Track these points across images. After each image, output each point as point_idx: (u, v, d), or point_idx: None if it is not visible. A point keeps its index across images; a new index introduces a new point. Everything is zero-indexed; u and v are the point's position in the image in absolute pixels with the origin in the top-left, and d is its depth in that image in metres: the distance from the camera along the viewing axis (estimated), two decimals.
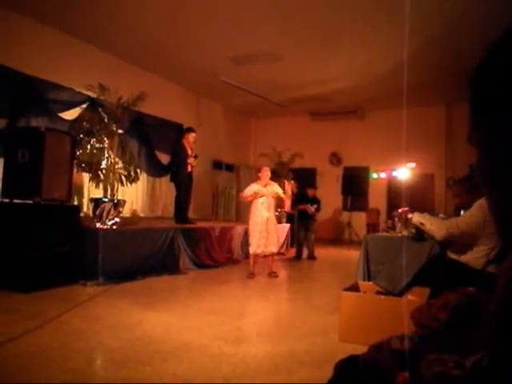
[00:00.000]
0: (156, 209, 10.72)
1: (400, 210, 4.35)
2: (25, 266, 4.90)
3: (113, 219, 5.98)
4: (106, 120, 6.42)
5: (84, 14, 7.51)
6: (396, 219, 4.41)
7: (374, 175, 13.28)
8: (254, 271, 6.59)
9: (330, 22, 7.54)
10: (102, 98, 6.59)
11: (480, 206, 3.09)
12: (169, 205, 10.13)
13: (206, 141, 10.95)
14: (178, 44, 8.77)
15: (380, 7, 6.83)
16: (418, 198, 11.79)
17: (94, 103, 7.67)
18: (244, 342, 3.54)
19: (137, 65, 9.83)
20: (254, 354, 3.23)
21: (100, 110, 6.70)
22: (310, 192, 9.45)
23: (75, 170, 6.13)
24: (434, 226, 3.37)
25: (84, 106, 8.17)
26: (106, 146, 6.44)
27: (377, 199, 13.37)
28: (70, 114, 7.99)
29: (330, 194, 13.00)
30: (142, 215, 9.86)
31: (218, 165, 13.21)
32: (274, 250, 6.71)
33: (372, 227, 12.16)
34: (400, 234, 5.24)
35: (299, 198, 9.84)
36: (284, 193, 7.28)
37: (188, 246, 6.96)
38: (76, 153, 5.95)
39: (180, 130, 9.93)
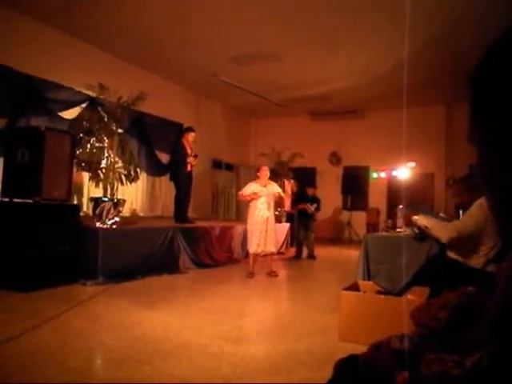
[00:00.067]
0: (156, 208, 10.72)
1: (401, 206, 4.35)
2: (25, 265, 4.90)
3: (112, 218, 5.99)
4: (105, 119, 6.42)
5: (84, 14, 7.50)
6: (399, 216, 4.40)
7: (374, 175, 13.28)
8: (253, 271, 6.60)
9: (330, 22, 7.54)
10: (101, 97, 6.60)
11: (480, 205, 3.09)
12: (168, 204, 10.13)
13: (205, 140, 10.95)
14: (177, 44, 8.76)
15: (380, 7, 6.83)
16: (418, 197, 11.80)
17: (93, 102, 7.67)
18: (244, 342, 3.54)
19: (137, 65, 9.83)
20: (254, 353, 3.23)
21: (100, 109, 6.70)
22: (310, 191, 9.45)
23: (75, 170, 6.13)
24: (438, 230, 3.35)
25: (84, 105, 8.16)
26: (105, 145, 6.44)
27: (377, 199, 13.38)
28: (70, 114, 7.99)
29: (329, 193, 13.00)
30: (141, 214, 9.86)
31: (217, 164, 13.21)
32: (273, 249, 6.72)
33: (372, 227, 12.16)
34: (402, 232, 5.25)
35: (299, 197, 9.84)
36: (284, 192, 7.29)
37: (188, 245, 6.96)
38: (76, 152, 5.96)
39: (180, 130, 9.93)
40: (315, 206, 9.13)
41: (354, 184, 13.17)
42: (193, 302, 4.79)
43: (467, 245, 3.21)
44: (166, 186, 10.39)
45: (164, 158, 10.47)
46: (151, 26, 7.91)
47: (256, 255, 6.65)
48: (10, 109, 7.15)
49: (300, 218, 9.37)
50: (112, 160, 6.44)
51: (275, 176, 9.87)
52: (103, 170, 6.42)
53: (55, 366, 2.80)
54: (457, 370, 0.65)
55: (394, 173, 12.43)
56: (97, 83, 6.53)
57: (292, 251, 9.59)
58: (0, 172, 5.65)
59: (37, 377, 2.63)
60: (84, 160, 6.28)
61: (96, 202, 6.04)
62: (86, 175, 7.24)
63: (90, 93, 7.33)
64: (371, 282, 4.23)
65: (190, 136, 7.86)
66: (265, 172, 6.78)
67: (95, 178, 6.44)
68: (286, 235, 10.03)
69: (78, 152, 6.08)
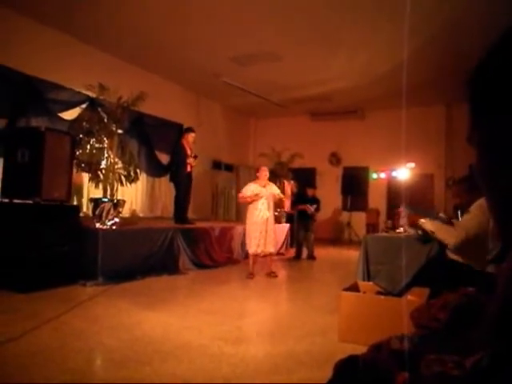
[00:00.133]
0: (155, 209, 10.72)
1: (404, 207, 4.34)
2: (24, 265, 4.90)
3: (112, 219, 5.98)
4: (105, 120, 6.42)
5: (84, 14, 7.50)
6: (402, 216, 4.39)
7: (374, 175, 13.28)
8: (253, 271, 6.60)
9: (329, 21, 7.54)
10: (101, 97, 6.60)
11: (480, 206, 3.09)
12: (168, 205, 10.13)
13: (205, 141, 10.94)
14: (177, 44, 8.77)
15: (380, 7, 6.84)
16: (418, 198, 11.79)
17: (93, 103, 7.67)
18: (244, 342, 3.54)
19: (137, 65, 9.83)
20: (254, 354, 3.23)
21: (100, 109, 6.70)
22: (310, 192, 9.45)
23: (75, 170, 6.13)
24: (445, 235, 3.32)
25: (84, 106, 8.16)
26: (105, 145, 6.44)
27: (376, 199, 13.38)
28: (70, 114, 7.99)
29: (329, 194, 13.01)
30: (141, 215, 9.86)
31: (217, 165, 13.21)
32: (272, 250, 6.72)
33: (372, 227, 12.17)
34: (402, 233, 5.25)
35: (299, 197, 9.86)
36: (283, 192, 7.29)
37: (187, 246, 6.96)
38: (76, 153, 5.95)
39: (180, 130, 9.93)
40: (315, 206, 9.12)
41: (354, 184, 13.17)
42: (193, 303, 4.79)
43: (475, 249, 3.18)
44: (165, 187, 10.38)
45: (164, 158, 10.47)
46: (151, 26, 7.92)
47: (256, 256, 6.65)
48: (9, 109, 7.15)
49: (300, 219, 9.37)
50: (112, 161, 6.44)
51: (275, 176, 9.89)
52: (103, 171, 6.42)
53: (55, 366, 2.79)
54: (457, 370, 0.65)
55: (394, 173, 12.44)
56: (97, 83, 6.53)
57: (292, 252, 9.59)
58: (0, 172, 5.65)
59: (37, 377, 2.63)
60: (84, 161, 6.28)
61: (96, 202, 6.04)
62: (85, 176, 7.24)
63: (90, 93, 7.33)
64: (371, 283, 4.23)
65: (190, 136, 7.85)
66: (264, 172, 6.78)
67: (95, 178, 6.44)
68: (286, 236, 10.02)
69: (77, 153, 6.08)
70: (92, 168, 6.37)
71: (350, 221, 13.00)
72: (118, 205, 6.17)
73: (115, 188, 6.42)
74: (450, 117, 12.26)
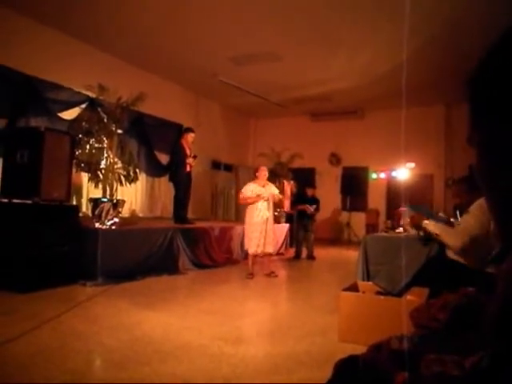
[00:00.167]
0: (155, 209, 10.72)
1: (407, 207, 4.32)
2: (24, 266, 4.89)
3: (112, 219, 5.98)
4: (105, 120, 6.42)
5: (84, 14, 7.51)
6: (405, 216, 4.37)
7: (374, 175, 13.28)
8: (253, 271, 6.60)
9: (329, 21, 7.54)
10: (101, 97, 6.59)
11: (480, 206, 3.08)
12: (168, 205, 10.13)
13: (205, 141, 10.94)
14: (177, 44, 8.77)
15: (380, 7, 6.84)
16: (418, 198, 11.79)
17: (93, 103, 7.66)
18: (244, 342, 3.54)
19: (136, 65, 9.83)
20: (254, 354, 3.23)
21: (99, 109, 6.69)
22: (310, 192, 9.45)
23: (74, 170, 6.12)
24: (449, 237, 3.29)
25: (83, 106, 8.16)
26: (105, 145, 6.44)
27: (376, 199, 13.37)
28: (69, 114, 7.99)
29: (329, 194, 13.01)
30: (141, 215, 9.86)
31: (216, 165, 13.20)
32: (271, 250, 6.73)
33: (371, 227, 12.17)
34: (402, 233, 5.25)
35: (298, 197, 9.86)
36: (282, 192, 7.28)
37: (187, 246, 6.95)
38: (75, 153, 5.95)
39: (179, 130, 9.92)
40: (315, 207, 9.13)
41: (354, 185, 13.18)
42: (192, 303, 4.79)
43: (478, 250, 3.15)
44: (165, 187, 10.38)
45: (163, 158, 10.47)
46: (151, 26, 7.91)
47: (255, 256, 6.65)
48: (9, 109, 7.15)
49: (299, 219, 9.37)
50: (111, 161, 6.44)
51: (275, 176, 9.89)
52: (102, 171, 6.42)
53: (55, 366, 2.79)
54: (456, 370, 0.65)
55: (394, 173, 12.44)
56: (96, 83, 6.53)
57: (291, 252, 9.59)
58: None
59: (37, 377, 2.63)
60: (83, 161, 6.28)
61: (95, 202, 6.03)
62: (85, 176, 7.23)
63: (90, 93, 7.34)
64: (370, 283, 4.23)
65: (190, 137, 7.85)
66: (263, 172, 6.78)
67: (94, 178, 6.44)
68: (286, 236, 10.02)
69: (77, 153, 6.08)
70: (91, 168, 6.36)
71: (350, 221, 13.00)
72: (117, 205, 6.17)
73: (115, 188, 6.41)
74: (449, 117, 12.27)
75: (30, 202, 5.13)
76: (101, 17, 7.60)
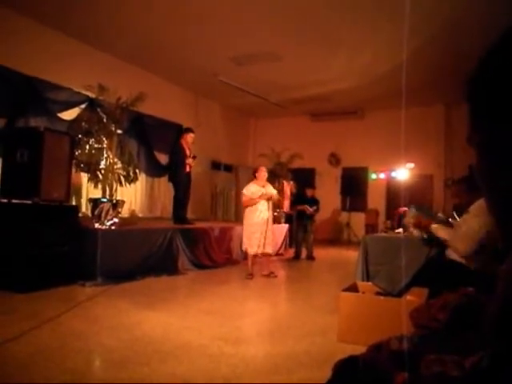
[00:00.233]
0: (155, 209, 10.72)
1: (402, 209, 4.31)
2: (23, 266, 4.89)
3: (111, 219, 5.98)
4: (104, 120, 6.41)
5: (84, 14, 7.51)
6: (410, 216, 4.33)
7: (373, 176, 13.29)
8: (252, 272, 6.59)
9: (329, 21, 7.54)
10: (100, 98, 6.59)
11: (481, 207, 3.08)
12: (167, 205, 10.12)
13: (204, 141, 10.94)
14: (177, 44, 8.77)
15: (380, 7, 6.84)
16: (417, 198, 11.78)
17: (92, 103, 7.66)
18: (244, 342, 3.54)
19: (136, 65, 9.83)
20: (254, 354, 3.23)
21: (99, 110, 6.69)
22: (309, 192, 9.45)
23: (74, 171, 6.12)
24: (459, 244, 3.25)
25: (83, 106, 8.16)
26: (104, 146, 6.44)
27: (376, 200, 13.37)
28: (69, 115, 7.99)
29: (328, 194, 13.01)
30: (140, 215, 9.85)
31: (216, 165, 13.20)
32: (270, 251, 6.74)
33: (371, 228, 12.17)
34: (401, 233, 5.24)
35: (298, 198, 9.85)
36: (282, 193, 7.28)
37: (187, 246, 6.95)
38: (75, 153, 5.95)
39: (179, 131, 9.91)
40: (315, 208, 9.12)
41: (353, 185, 13.18)
42: (192, 303, 4.79)
43: (483, 252, 3.12)
44: (164, 187, 10.38)
45: (163, 158, 10.46)
46: (151, 26, 7.91)
47: (255, 256, 6.65)
48: (9, 109, 7.15)
49: (299, 219, 9.37)
50: (111, 161, 6.43)
51: (274, 177, 9.89)
52: (102, 171, 6.41)
53: (55, 366, 2.79)
54: (456, 370, 0.65)
55: (393, 174, 12.44)
56: (96, 84, 6.52)
57: (291, 252, 9.59)
58: None
59: (36, 377, 2.62)
60: (83, 161, 6.28)
61: (95, 202, 6.03)
62: (84, 176, 7.23)
63: (90, 93, 7.34)
64: (370, 283, 4.23)
65: (189, 137, 7.85)
66: (263, 173, 6.78)
67: (94, 178, 6.43)
68: (285, 236, 10.02)
69: (76, 153, 6.08)
70: (91, 168, 6.36)
71: (349, 221, 13.00)
72: (117, 205, 6.16)
73: (114, 188, 6.41)
74: (449, 117, 12.27)
75: (29, 202, 5.13)
76: (101, 17, 7.60)
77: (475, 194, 3.30)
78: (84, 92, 7.61)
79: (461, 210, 3.63)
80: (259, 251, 6.54)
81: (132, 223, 7.24)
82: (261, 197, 6.54)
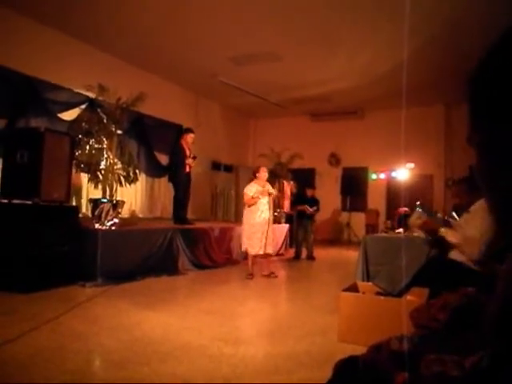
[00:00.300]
0: (155, 209, 10.72)
1: (402, 209, 4.30)
2: (23, 266, 4.89)
3: (112, 220, 5.98)
4: (104, 120, 6.42)
5: (84, 14, 7.51)
6: (416, 217, 4.30)
7: (373, 176, 13.29)
8: (253, 272, 6.59)
9: (330, 21, 7.54)
10: (100, 98, 6.59)
11: (482, 207, 3.07)
12: (168, 205, 10.12)
13: (204, 141, 10.93)
14: (177, 44, 8.77)
15: (380, 7, 6.84)
16: (417, 198, 11.77)
17: (92, 104, 7.66)
18: (244, 343, 3.53)
19: (136, 65, 9.83)
20: (254, 354, 3.23)
21: (99, 110, 6.69)
22: (309, 192, 9.45)
23: (74, 171, 6.13)
24: (470, 248, 3.23)
25: (83, 106, 8.16)
26: (104, 146, 6.44)
27: (376, 200, 13.37)
28: (69, 115, 7.99)
29: (328, 194, 13.00)
30: (140, 216, 9.85)
31: (216, 165, 13.19)
32: (271, 251, 6.74)
33: (371, 228, 12.17)
34: (401, 234, 5.24)
35: (298, 198, 9.86)
36: (279, 192, 7.28)
37: (187, 246, 6.95)
38: (75, 153, 5.95)
39: (179, 131, 9.92)
40: (315, 208, 9.13)
41: (353, 185, 13.17)
42: (192, 303, 4.79)
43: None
44: (165, 188, 10.38)
45: (163, 159, 10.46)
46: (151, 26, 7.91)
47: (255, 256, 6.65)
48: (9, 109, 7.15)
49: (299, 219, 9.37)
50: (111, 161, 6.43)
51: (274, 177, 9.89)
52: (102, 172, 6.42)
53: (54, 367, 2.79)
54: (456, 370, 0.65)
55: (393, 174, 12.44)
56: (96, 84, 6.52)
57: (291, 252, 9.59)
58: None
59: (36, 377, 2.62)
60: (83, 161, 6.28)
61: (95, 203, 6.03)
62: (85, 176, 7.23)
63: (90, 94, 7.33)
64: (370, 283, 4.23)
65: (189, 137, 7.85)
66: (264, 173, 6.78)
67: (94, 179, 6.44)
68: (285, 236, 10.02)
69: (77, 153, 6.08)
70: (91, 169, 6.36)
71: (350, 221, 13.00)
72: (117, 205, 6.16)
73: (114, 188, 6.41)
74: (449, 117, 12.27)
75: (29, 202, 5.13)
76: (101, 17, 7.60)
77: (475, 194, 3.30)
78: (84, 92, 7.61)
79: (461, 210, 3.63)
80: (260, 252, 6.53)
81: (132, 223, 7.24)
82: (262, 193, 6.55)
